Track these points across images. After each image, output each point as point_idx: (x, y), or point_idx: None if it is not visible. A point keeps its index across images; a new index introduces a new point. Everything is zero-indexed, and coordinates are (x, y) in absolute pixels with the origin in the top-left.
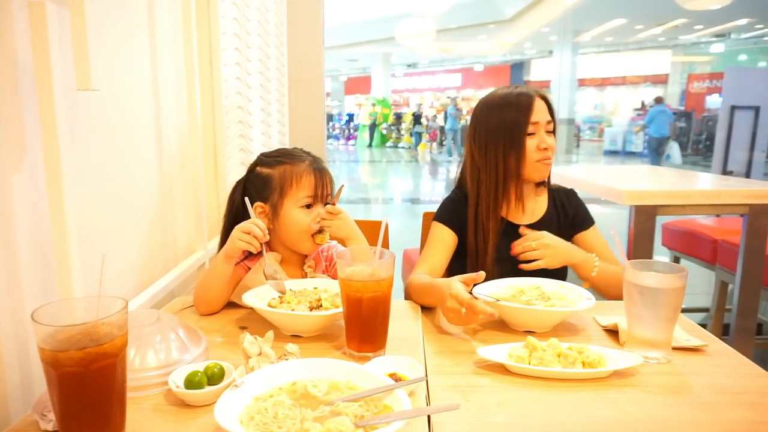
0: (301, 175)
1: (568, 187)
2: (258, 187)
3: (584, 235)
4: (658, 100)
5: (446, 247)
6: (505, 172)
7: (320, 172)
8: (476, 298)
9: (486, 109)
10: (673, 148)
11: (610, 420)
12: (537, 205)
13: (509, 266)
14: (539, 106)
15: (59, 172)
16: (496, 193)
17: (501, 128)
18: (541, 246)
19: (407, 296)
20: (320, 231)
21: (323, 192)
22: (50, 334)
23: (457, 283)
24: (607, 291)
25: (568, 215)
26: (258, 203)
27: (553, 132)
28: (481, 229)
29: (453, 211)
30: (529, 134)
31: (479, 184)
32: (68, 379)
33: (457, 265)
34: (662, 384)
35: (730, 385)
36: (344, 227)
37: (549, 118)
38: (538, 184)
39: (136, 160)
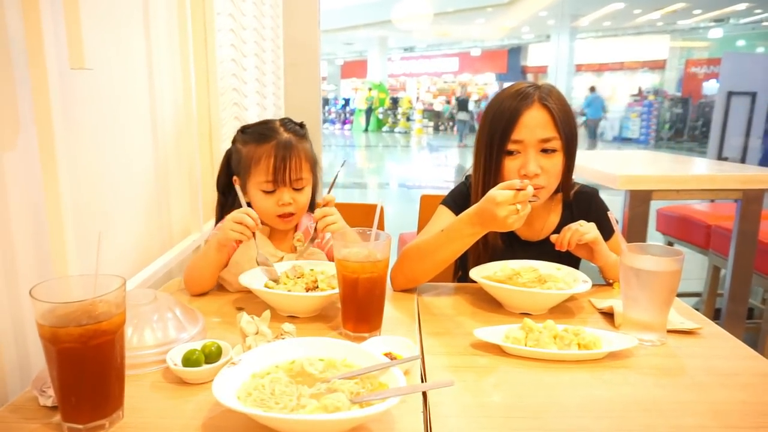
0: (260, 158)
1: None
2: (235, 160)
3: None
4: (592, 89)
5: None
6: (485, 189)
7: (285, 154)
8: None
9: (487, 108)
10: (605, 127)
11: (605, 400)
12: (548, 219)
13: None
14: (534, 118)
15: (53, 151)
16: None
17: (486, 139)
18: (582, 225)
19: (398, 271)
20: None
21: (286, 177)
22: (49, 311)
23: (494, 191)
24: None
25: (575, 219)
26: (235, 177)
27: (564, 150)
28: (481, 242)
29: (462, 200)
30: (511, 153)
31: (474, 185)
32: (67, 355)
33: (456, 263)
34: (657, 366)
35: (724, 367)
36: (341, 221)
37: (547, 135)
38: (551, 197)
39: (131, 140)
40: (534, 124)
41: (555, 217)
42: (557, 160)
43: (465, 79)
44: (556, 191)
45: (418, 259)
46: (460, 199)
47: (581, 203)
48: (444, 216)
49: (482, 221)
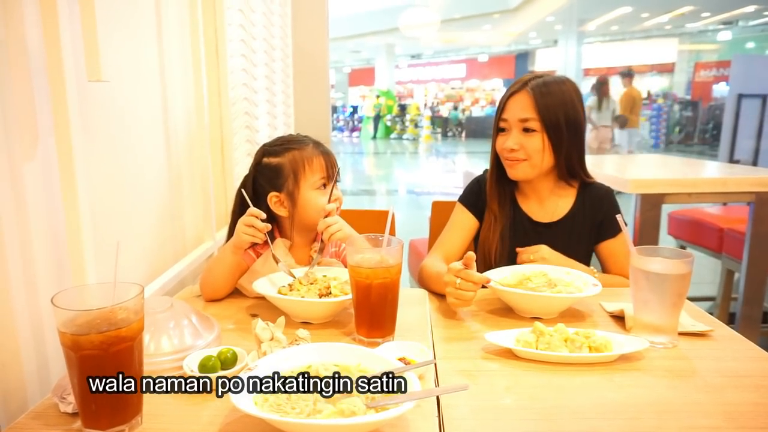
0: (311, 158)
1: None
2: (269, 177)
3: (607, 244)
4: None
5: (464, 230)
6: (491, 164)
7: (327, 152)
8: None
9: None
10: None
11: (616, 403)
12: (560, 203)
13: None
14: (518, 101)
15: (71, 162)
16: (493, 183)
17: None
18: (539, 259)
19: (419, 281)
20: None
21: (333, 172)
22: (70, 319)
23: (454, 262)
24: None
25: (594, 221)
26: (272, 193)
27: (546, 132)
28: (492, 216)
29: (476, 193)
30: (502, 130)
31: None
32: (88, 361)
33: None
34: (668, 368)
35: (735, 369)
36: (346, 228)
37: (525, 115)
38: (560, 182)
39: (144, 150)
40: (516, 106)
41: (567, 202)
42: (536, 139)
43: (473, 85)
44: (563, 178)
45: (427, 283)
46: (471, 196)
47: (594, 197)
48: (459, 213)
49: (441, 280)
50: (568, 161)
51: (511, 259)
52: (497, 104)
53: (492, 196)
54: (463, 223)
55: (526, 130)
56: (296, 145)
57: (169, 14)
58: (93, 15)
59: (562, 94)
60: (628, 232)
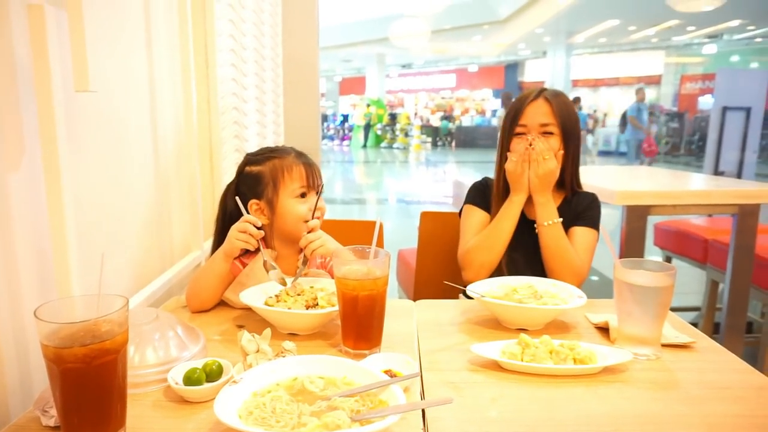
0: (291, 166)
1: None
2: (250, 185)
3: (574, 230)
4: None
5: (481, 225)
6: (500, 164)
7: (308, 161)
8: None
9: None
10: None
11: (600, 414)
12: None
13: (521, 258)
14: (538, 108)
15: (58, 172)
16: (501, 190)
17: (503, 126)
18: (538, 155)
19: (467, 262)
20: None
21: (314, 181)
22: (53, 331)
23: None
24: (544, 252)
25: (570, 213)
26: (253, 201)
27: (562, 137)
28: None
29: (481, 194)
30: (518, 134)
31: (496, 166)
32: (70, 375)
33: None
34: (651, 379)
35: (718, 381)
36: (329, 242)
37: (546, 121)
38: (557, 189)
39: (132, 160)
40: (536, 112)
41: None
42: (555, 141)
43: (463, 95)
44: (560, 186)
45: (482, 245)
46: (478, 197)
47: (580, 200)
48: (472, 213)
49: (513, 187)
50: (571, 170)
51: (512, 254)
52: (510, 110)
53: (498, 203)
54: (479, 218)
55: (545, 133)
56: (278, 154)
57: (159, 24)
58: (81, 24)
59: (570, 106)
60: (605, 232)
